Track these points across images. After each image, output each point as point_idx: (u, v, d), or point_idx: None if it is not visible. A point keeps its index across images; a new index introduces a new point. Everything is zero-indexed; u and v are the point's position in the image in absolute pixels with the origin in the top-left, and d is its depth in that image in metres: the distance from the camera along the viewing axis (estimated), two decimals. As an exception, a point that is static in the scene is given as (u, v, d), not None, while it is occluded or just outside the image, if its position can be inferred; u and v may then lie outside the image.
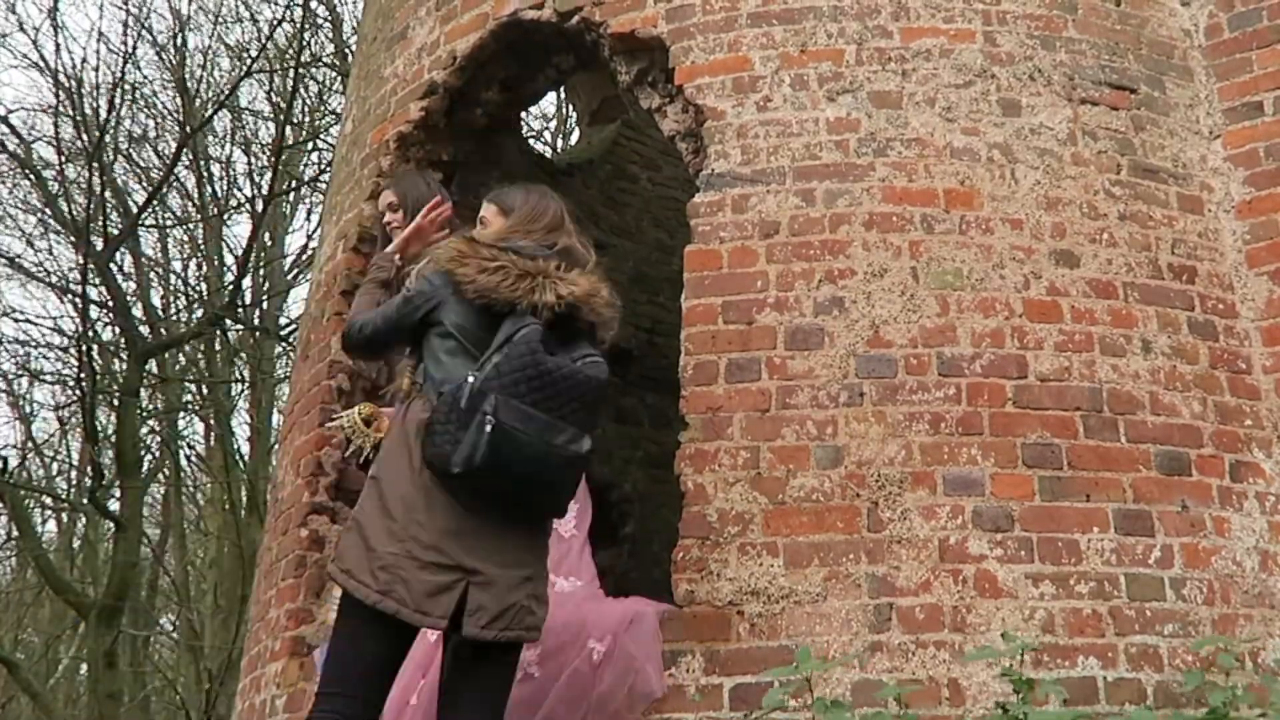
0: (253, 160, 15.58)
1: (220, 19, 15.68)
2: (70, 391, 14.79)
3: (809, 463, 3.65)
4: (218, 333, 14.37)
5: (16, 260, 14.68)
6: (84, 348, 12.40)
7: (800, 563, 3.54)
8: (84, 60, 24.81)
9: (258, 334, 14.69)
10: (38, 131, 15.72)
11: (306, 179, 15.12)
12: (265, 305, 15.24)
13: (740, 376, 3.79)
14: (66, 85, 13.32)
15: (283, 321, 14.89)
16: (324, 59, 14.60)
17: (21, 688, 13.30)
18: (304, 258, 15.03)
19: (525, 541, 2.93)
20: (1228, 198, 4.25)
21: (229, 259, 15.58)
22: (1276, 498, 3.84)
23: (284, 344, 14.34)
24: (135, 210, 13.52)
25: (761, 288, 3.89)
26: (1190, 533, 3.67)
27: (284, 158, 14.01)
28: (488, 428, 2.77)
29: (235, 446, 15.60)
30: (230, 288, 13.77)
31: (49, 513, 17.64)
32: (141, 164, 15.09)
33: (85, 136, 12.96)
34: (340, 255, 4.97)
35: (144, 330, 13.48)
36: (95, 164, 12.00)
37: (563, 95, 11.98)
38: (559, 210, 3.25)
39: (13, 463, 14.77)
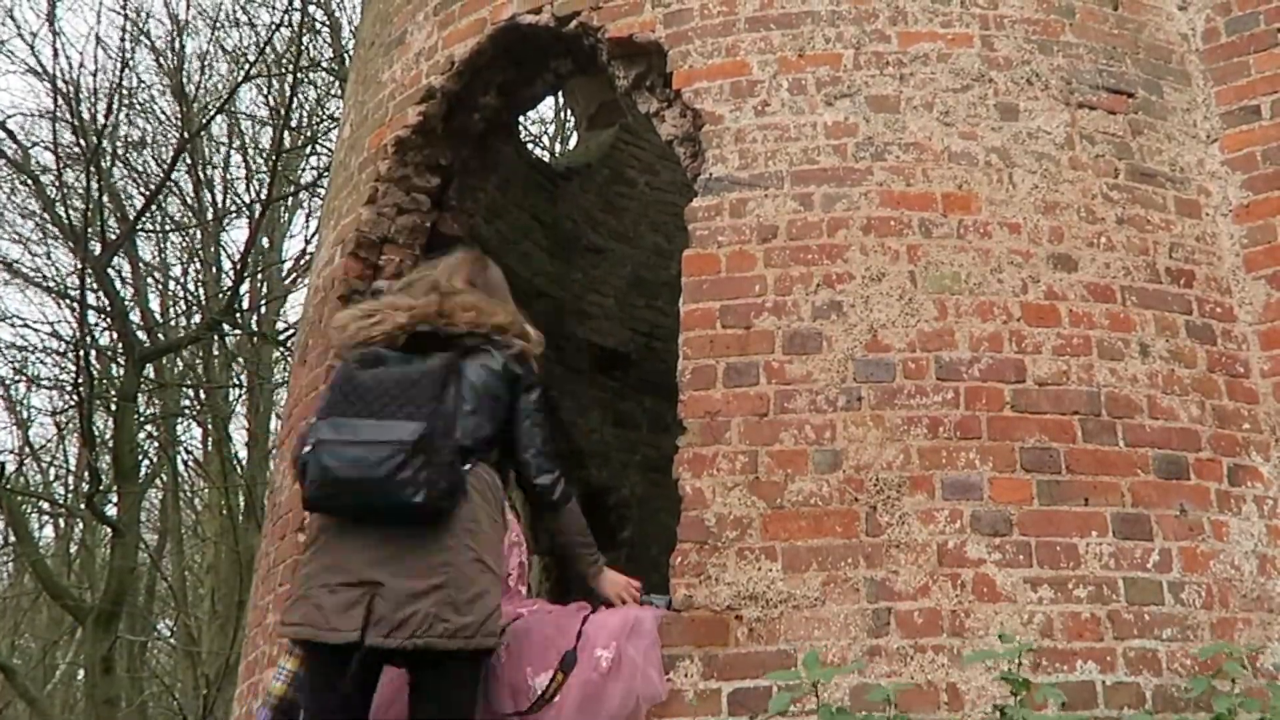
0: (251, 165, 15.60)
1: (218, 24, 15.69)
2: (68, 396, 14.81)
3: (807, 467, 3.65)
4: (215, 338, 14.36)
5: (14, 265, 14.70)
6: (82, 353, 12.38)
7: (798, 567, 3.54)
8: (82, 65, 24.76)
9: (255, 339, 14.69)
10: (35, 136, 15.77)
11: (304, 184, 15.14)
12: (263, 310, 15.25)
13: (738, 380, 3.79)
14: (64, 90, 13.31)
15: (280, 326, 14.90)
16: (322, 64, 14.61)
17: (18, 693, 13.28)
18: (302, 263, 15.04)
19: (429, 551, 2.94)
20: (1225, 201, 4.25)
21: (227, 264, 15.60)
22: (1274, 501, 3.84)
23: (282, 349, 14.34)
24: (133, 215, 13.52)
25: (759, 292, 3.89)
26: (1189, 537, 3.67)
27: (282, 162, 14.01)
28: (307, 447, 2.99)
29: (233, 451, 15.60)
30: (228, 293, 13.77)
31: (46, 518, 17.61)
32: (139, 169, 15.09)
33: (83, 141, 12.95)
34: (338, 260, 4.97)
35: (142, 335, 13.48)
36: (93, 169, 12.00)
37: (561, 100, 11.99)
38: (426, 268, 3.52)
39: (10, 468, 14.76)
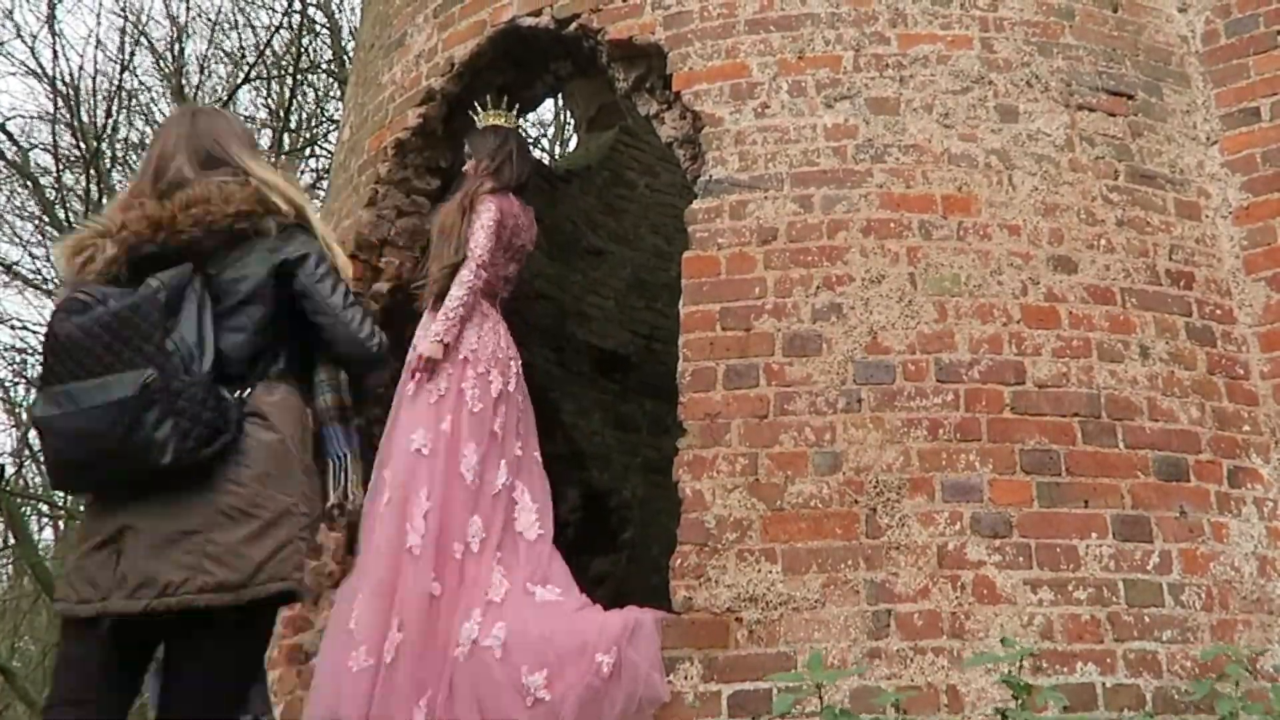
0: (250, 167, 15.55)
1: (218, 25, 15.69)
2: (67, 398, 14.73)
3: (807, 469, 3.65)
4: (215, 339, 14.33)
5: (14, 267, 14.68)
6: (81, 354, 12.35)
7: (799, 569, 3.54)
8: (81, 67, 24.73)
9: (255, 340, 14.65)
10: (35, 139, 15.69)
11: (304, 185, 15.12)
12: (263, 312, 15.19)
13: (738, 382, 3.79)
14: (64, 92, 13.33)
15: (280, 328, 14.86)
16: (322, 65, 14.62)
17: (18, 695, 13.27)
18: (302, 264, 14.99)
19: (192, 499, 2.40)
20: (1225, 203, 4.25)
21: (226, 265, 15.56)
22: (1274, 503, 3.84)
23: (281, 350, 14.30)
24: (133, 217, 13.49)
25: (759, 294, 3.88)
26: (1189, 538, 3.67)
27: (281, 164, 14.01)
28: (32, 430, 2.46)
29: (233, 453, 15.53)
30: (228, 294, 13.74)
31: (45, 520, 17.60)
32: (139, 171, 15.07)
33: (83, 144, 12.96)
34: (338, 262, 4.96)
35: (141, 337, 13.44)
36: (93, 171, 12.01)
37: (561, 102, 12.00)
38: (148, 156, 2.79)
39: (9, 470, 14.73)
